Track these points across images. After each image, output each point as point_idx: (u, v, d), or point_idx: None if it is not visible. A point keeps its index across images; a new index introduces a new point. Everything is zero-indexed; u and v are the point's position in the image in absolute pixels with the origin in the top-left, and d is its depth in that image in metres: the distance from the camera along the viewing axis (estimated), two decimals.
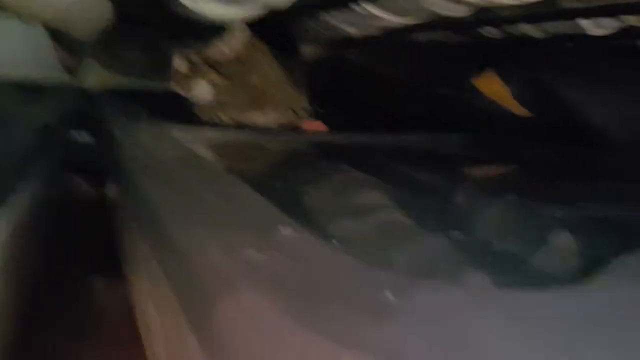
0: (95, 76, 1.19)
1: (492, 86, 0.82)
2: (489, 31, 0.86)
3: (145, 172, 0.45)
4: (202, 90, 0.88)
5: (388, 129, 0.93)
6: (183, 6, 0.73)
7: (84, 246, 0.78)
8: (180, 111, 0.84)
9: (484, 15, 0.71)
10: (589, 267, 0.35)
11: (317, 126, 0.90)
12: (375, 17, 0.78)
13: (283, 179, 0.58)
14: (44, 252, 0.65)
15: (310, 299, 0.24)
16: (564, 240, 0.44)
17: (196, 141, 0.65)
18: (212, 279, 0.26)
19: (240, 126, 0.83)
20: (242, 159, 0.67)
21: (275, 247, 0.28)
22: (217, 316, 0.24)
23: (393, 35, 0.92)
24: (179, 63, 0.89)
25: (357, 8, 0.76)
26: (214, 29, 0.85)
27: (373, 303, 0.24)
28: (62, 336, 0.59)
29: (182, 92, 0.88)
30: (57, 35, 1.09)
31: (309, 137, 0.85)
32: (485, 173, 0.80)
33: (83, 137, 1.00)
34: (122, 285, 0.70)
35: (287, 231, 0.30)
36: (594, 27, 0.68)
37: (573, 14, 0.65)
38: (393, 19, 0.78)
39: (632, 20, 0.65)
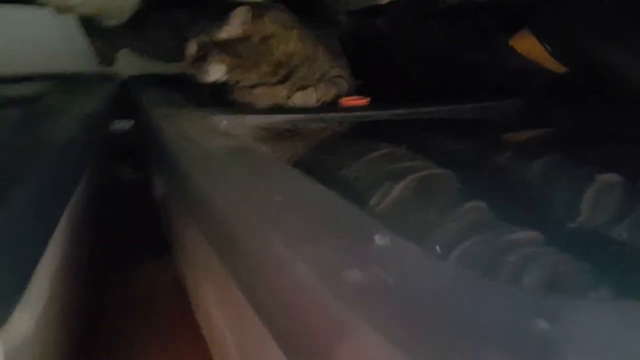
0: (130, 64, 1.22)
1: (528, 45, 0.80)
2: None
3: (195, 163, 0.42)
4: (216, 72, 0.87)
5: (425, 99, 0.87)
6: None
7: (131, 231, 0.81)
8: (217, 95, 0.83)
9: None
10: None
11: (358, 100, 0.85)
12: None
13: (333, 166, 0.54)
14: (96, 238, 0.68)
15: (435, 330, 0.18)
16: None
17: (240, 129, 0.63)
18: (309, 306, 0.21)
19: (280, 109, 0.79)
20: (287, 145, 0.63)
21: (377, 263, 0.22)
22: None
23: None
24: (190, 46, 0.89)
25: None
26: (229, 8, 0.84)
27: (526, 336, 0.18)
28: (123, 317, 0.62)
29: (197, 76, 0.87)
30: (90, 26, 1.11)
31: (351, 115, 0.79)
32: (535, 136, 0.76)
33: (122, 124, 1.03)
34: (170, 268, 0.72)
35: (385, 241, 0.25)
36: None
37: None
38: None
39: None
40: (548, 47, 0.77)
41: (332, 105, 0.84)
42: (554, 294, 0.27)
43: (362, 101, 0.85)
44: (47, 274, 0.35)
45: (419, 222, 0.39)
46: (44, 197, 0.34)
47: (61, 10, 0.84)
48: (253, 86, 0.84)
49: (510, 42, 0.81)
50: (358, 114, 0.78)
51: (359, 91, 0.90)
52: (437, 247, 0.31)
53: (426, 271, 0.22)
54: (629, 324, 0.20)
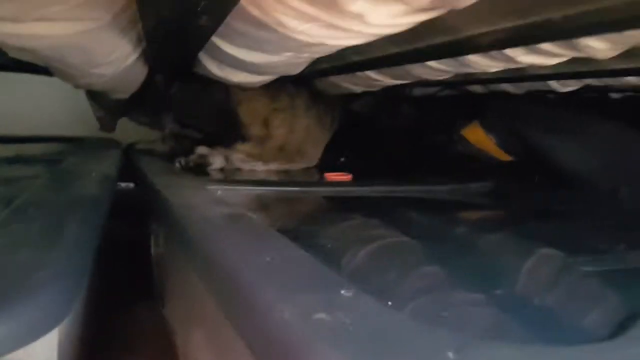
0: (125, 131, 1.34)
1: (477, 135, 0.95)
2: (474, 88, 0.99)
3: (196, 228, 0.49)
4: (218, 163, 1.07)
5: (403, 179, 0.95)
6: (207, 70, 0.87)
7: (129, 279, 0.89)
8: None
9: (468, 77, 0.84)
10: (625, 321, 0.37)
11: (341, 176, 0.92)
12: (375, 80, 0.92)
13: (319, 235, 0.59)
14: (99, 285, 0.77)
15: (377, 356, 0.27)
16: (598, 295, 0.47)
17: (233, 198, 0.68)
18: (290, 338, 0.29)
19: (269, 182, 0.87)
20: (274, 214, 0.68)
21: (341, 309, 0.30)
22: None
23: (391, 90, 1.05)
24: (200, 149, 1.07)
25: (359, 73, 0.89)
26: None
27: None
28: (118, 352, 0.70)
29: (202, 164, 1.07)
30: (95, 97, 1.24)
31: (334, 190, 0.85)
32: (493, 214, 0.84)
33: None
34: (160, 311, 0.81)
35: (349, 294, 0.33)
36: (560, 86, 0.81)
37: (542, 77, 0.78)
38: (389, 81, 0.91)
39: (589, 81, 0.78)
40: (493, 138, 0.91)
41: (318, 180, 0.93)
42: (470, 335, 0.31)
43: (345, 177, 0.90)
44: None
45: (381, 280, 0.46)
46: (86, 238, 0.44)
47: (79, 86, 0.96)
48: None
49: (462, 132, 0.95)
50: (340, 189, 0.85)
51: (342, 167, 0.99)
52: (389, 303, 0.36)
53: (375, 316, 0.31)
54: None
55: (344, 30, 0.43)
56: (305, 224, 0.65)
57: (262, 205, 0.70)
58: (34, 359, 0.35)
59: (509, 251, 0.60)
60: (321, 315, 0.30)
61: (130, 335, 0.75)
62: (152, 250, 0.81)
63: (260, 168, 1.07)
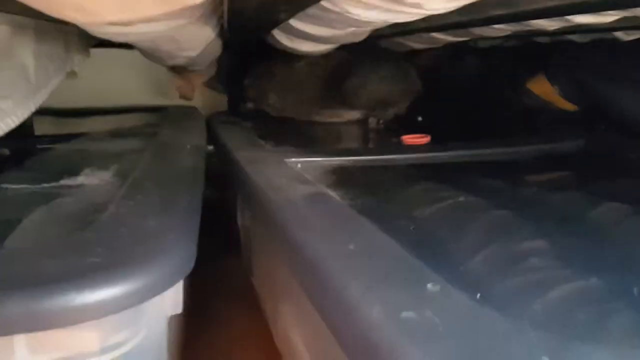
0: (207, 101, 1.45)
1: (543, 87, 0.96)
2: (539, 38, 1.00)
3: (276, 211, 0.49)
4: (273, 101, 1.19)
5: (484, 140, 0.87)
6: (277, 41, 0.94)
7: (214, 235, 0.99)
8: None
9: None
10: None
11: (419, 139, 0.87)
12: (438, 38, 0.94)
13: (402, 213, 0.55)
14: None
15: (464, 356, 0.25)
16: None
17: (312, 171, 0.66)
18: (378, 338, 0.28)
19: (348, 151, 0.84)
20: (359, 188, 0.62)
21: (429, 306, 0.29)
22: None
23: (454, 43, 1.07)
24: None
25: (423, 34, 0.93)
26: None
27: None
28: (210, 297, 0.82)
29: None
30: (175, 69, 1.34)
31: (415, 157, 0.78)
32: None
33: None
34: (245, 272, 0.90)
35: (436, 288, 0.32)
36: (624, 35, 0.81)
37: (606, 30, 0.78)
38: (453, 39, 0.94)
39: None
40: (557, 88, 0.93)
41: (395, 145, 0.89)
42: (565, 337, 0.28)
43: (423, 140, 0.86)
44: None
45: (473, 266, 0.41)
46: (195, 206, 0.53)
47: (164, 64, 1.05)
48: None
49: (528, 85, 0.97)
50: (422, 155, 0.79)
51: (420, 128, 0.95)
52: (478, 295, 0.33)
53: (464, 314, 0.29)
54: None
55: (404, 13, 0.48)
56: (389, 201, 0.60)
57: (342, 178, 0.65)
58: (167, 302, 0.44)
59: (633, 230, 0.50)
60: (409, 314, 0.29)
61: (219, 284, 0.87)
62: (239, 220, 0.86)
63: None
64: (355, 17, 0.52)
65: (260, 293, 0.77)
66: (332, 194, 0.54)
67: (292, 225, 0.45)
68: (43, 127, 1.09)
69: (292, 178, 0.59)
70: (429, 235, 0.48)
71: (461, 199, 0.56)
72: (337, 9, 0.49)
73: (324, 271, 0.36)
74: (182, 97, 1.49)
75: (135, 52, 1.31)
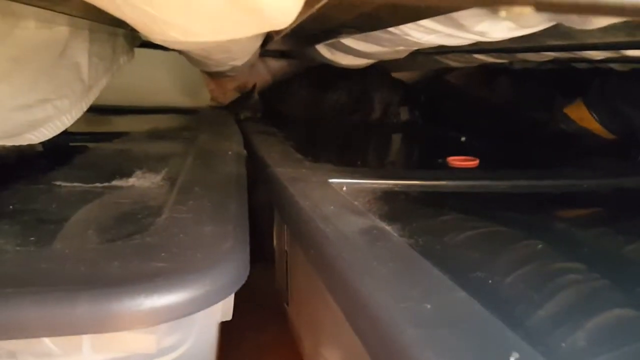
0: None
1: (581, 113, 0.96)
2: (578, 64, 1.00)
3: (324, 242, 0.45)
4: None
5: (543, 169, 0.81)
6: (318, 54, 0.95)
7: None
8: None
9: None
10: None
11: (467, 162, 0.83)
12: (478, 59, 0.95)
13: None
14: None
15: None
16: None
17: (359, 194, 0.61)
18: None
19: (395, 175, 0.74)
20: (417, 222, 0.55)
21: None
22: None
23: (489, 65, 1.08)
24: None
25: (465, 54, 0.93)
26: None
27: None
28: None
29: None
30: (210, 73, 1.36)
31: (465, 184, 0.71)
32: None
33: None
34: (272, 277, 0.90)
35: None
36: None
37: None
38: (493, 60, 0.94)
39: None
40: (596, 116, 0.93)
41: (442, 166, 0.83)
42: None
43: (472, 163, 0.82)
44: None
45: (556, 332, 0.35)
46: (243, 213, 0.54)
47: (209, 71, 1.07)
48: None
49: (565, 110, 0.97)
50: (474, 183, 0.71)
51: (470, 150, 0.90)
52: None
53: None
54: None
55: (463, 39, 0.49)
56: (454, 242, 0.50)
57: (394, 207, 0.59)
58: (219, 308, 0.45)
59: None
60: None
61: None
62: (275, 240, 0.82)
63: None
64: (412, 40, 0.53)
65: (296, 325, 0.72)
66: (388, 228, 0.49)
67: (351, 269, 0.39)
68: (76, 124, 1.11)
69: (341, 205, 0.54)
70: (512, 292, 0.40)
71: (540, 246, 0.48)
72: (397, 32, 0.50)
73: (399, 341, 0.30)
74: (214, 100, 1.51)
75: (168, 53, 1.34)
